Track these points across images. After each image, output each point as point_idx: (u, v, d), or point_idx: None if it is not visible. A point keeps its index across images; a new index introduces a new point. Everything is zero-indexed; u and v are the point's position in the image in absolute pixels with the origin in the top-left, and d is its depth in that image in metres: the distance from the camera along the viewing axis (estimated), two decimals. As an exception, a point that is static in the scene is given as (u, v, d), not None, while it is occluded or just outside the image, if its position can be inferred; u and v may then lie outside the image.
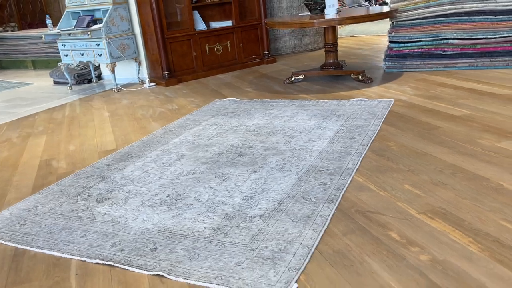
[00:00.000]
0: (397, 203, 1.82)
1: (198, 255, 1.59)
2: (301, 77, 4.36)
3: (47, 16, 5.18)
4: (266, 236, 1.66)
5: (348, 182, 2.05)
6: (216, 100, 3.95)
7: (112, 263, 1.59)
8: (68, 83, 5.49)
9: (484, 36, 4.04)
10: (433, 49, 4.25)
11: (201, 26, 5.17)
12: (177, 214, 1.91)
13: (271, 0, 6.09)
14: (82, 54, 4.90)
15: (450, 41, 4.15)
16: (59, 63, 5.99)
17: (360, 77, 4.07)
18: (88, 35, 4.60)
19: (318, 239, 1.61)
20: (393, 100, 3.34)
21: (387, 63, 4.42)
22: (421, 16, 4.20)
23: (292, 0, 6.24)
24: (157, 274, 1.50)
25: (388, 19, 4.31)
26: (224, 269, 1.49)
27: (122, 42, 4.85)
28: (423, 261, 1.43)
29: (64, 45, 5.02)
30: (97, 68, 5.66)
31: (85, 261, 1.63)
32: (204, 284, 1.43)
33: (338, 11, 4.19)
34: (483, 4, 4.00)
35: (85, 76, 5.60)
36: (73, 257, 1.66)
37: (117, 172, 2.47)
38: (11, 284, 1.54)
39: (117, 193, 2.19)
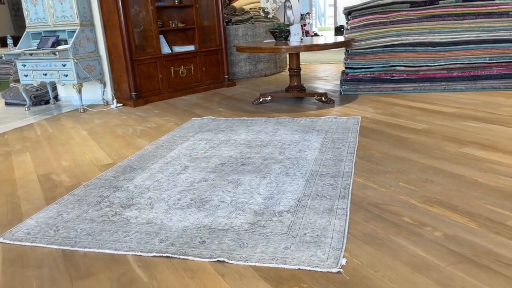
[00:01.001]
0: (399, 196, 2.16)
1: (246, 244, 1.78)
2: (268, 98, 4.70)
3: (8, 36, 5.05)
4: (300, 226, 1.90)
5: (351, 182, 2.36)
6: (194, 118, 4.14)
7: (169, 255, 1.73)
8: (23, 104, 5.33)
9: (425, 64, 4.69)
10: (383, 75, 4.82)
11: (166, 49, 5.35)
12: (209, 214, 2.08)
13: (228, 28, 6.43)
14: (45, 75, 4.83)
15: (397, 67, 4.75)
16: (11, 84, 5.80)
17: (323, 99, 4.49)
18: (56, 55, 4.57)
19: (346, 226, 1.88)
20: (360, 117, 3.77)
21: (343, 86, 4.91)
22: (372, 46, 4.77)
23: (247, 28, 6.64)
24: (218, 260, 1.67)
25: (344, 48, 4.83)
26: (276, 252, 1.70)
27: (88, 63, 4.87)
28: (438, 236, 1.75)
29: (24, 65, 4.91)
30: (54, 89, 5.56)
31: (140, 255, 1.75)
32: (264, 264, 1.63)
33: (301, 39, 4.62)
34: (423, 37, 4.66)
35: (41, 97, 5.47)
36: (127, 253, 1.77)
37: (127, 183, 2.56)
38: (76, 279, 1.61)
39: (139, 199, 2.30)
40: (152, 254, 1.75)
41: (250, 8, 7.21)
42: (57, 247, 1.86)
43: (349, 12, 4.98)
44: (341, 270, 1.56)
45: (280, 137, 3.31)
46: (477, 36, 4.53)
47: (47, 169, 2.94)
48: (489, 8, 4.47)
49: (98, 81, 5.05)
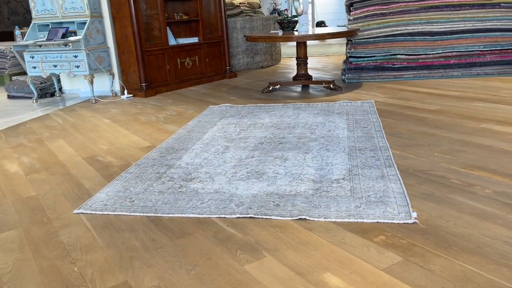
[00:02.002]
0: (440, 163, 2.38)
1: (318, 205, 1.95)
2: (277, 86, 4.87)
3: (16, 27, 5.02)
4: (361, 190, 2.09)
5: (391, 154, 2.57)
6: (211, 106, 4.26)
7: (252, 215, 1.88)
8: (27, 97, 5.31)
9: (424, 53, 4.97)
10: (385, 63, 5.07)
11: (172, 41, 5.44)
12: (271, 183, 2.24)
13: (226, 21, 6.56)
14: (55, 66, 4.83)
15: (398, 56, 5.02)
16: (13, 78, 5.76)
17: (331, 86, 4.70)
18: (69, 46, 4.59)
19: (403, 188, 2.08)
20: (373, 101, 3.99)
21: (347, 75, 5.14)
22: (374, 36, 5.02)
23: (245, 21, 6.79)
24: (299, 218, 1.83)
25: (345, 39, 5.05)
26: (350, 210, 1.88)
27: (98, 54, 4.91)
28: (489, 193, 1.98)
29: (33, 57, 4.90)
30: (58, 81, 5.55)
31: (225, 217, 1.89)
32: (344, 220, 1.80)
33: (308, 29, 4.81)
34: (422, 27, 4.94)
35: (46, 89, 5.45)
36: (211, 216, 1.91)
37: (177, 161, 2.69)
38: (175, 238, 1.74)
39: (197, 174, 2.44)
40: (235, 216, 1.89)
41: (240, 3, 7.38)
42: (141, 214, 1.97)
43: (351, 4, 5.21)
44: (417, 220, 1.75)
45: (305, 120, 3.49)
46: (472, 26, 4.84)
47: (89, 152, 3.01)
48: (482, -1, 4.79)
49: (107, 72, 5.09)
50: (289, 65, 7.31)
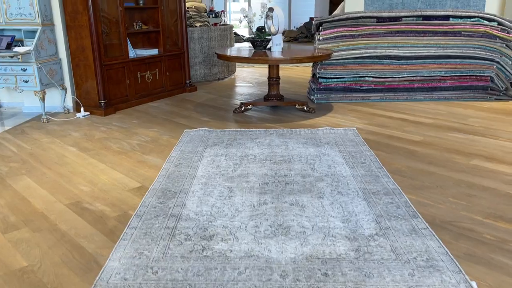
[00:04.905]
0: (460, 212, 2.38)
1: (370, 273, 1.82)
2: (250, 107, 4.68)
3: None
4: (403, 250, 1.99)
5: (407, 199, 2.52)
6: (187, 130, 3.96)
7: (307, 292, 1.70)
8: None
9: (390, 76, 5.08)
10: (353, 84, 5.11)
11: (131, 53, 5.01)
12: (303, 242, 2.07)
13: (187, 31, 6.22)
14: (-2, 79, 4.20)
15: (366, 78, 5.08)
16: None
17: (305, 108, 4.62)
18: (19, 58, 4.01)
19: (444, 247, 2.02)
20: (355, 128, 3.97)
21: (316, 95, 5.10)
22: (344, 57, 5.03)
23: (203, 31, 6.50)
24: (359, 294, 1.69)
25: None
26: (406, 279, 1.77)
27: (50, 67, 4.36)
28: (526, 250, 1.99)
29: (-31, 67, 4.22)
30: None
31: (276, 295, 1.69)
32: (406, 293, 1.69)
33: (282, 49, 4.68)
34: (389, 51, 5.05)
35: (-19, 103, 4.74)
36: (259, 294, 1.69)
37: (183, 209, 2.41)
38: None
39: (214, 229, 2.19)
40: (288, 293, 1.70)
41: (188, 7, 7.07)
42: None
43: (320, 24, 5.17)
44: (482, 292, 1.69)
45: (297, 152, 3.35)
46: (434, 52, 5.03)
47: (69, 195, 2.61)
48: (445, 27, 4.99)
49: (59, 87, 4.55)
50: (244, 76, 7.15)
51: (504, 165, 3.07)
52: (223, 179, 2.84)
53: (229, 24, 7.54)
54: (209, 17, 8.79)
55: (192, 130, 3.96)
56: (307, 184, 2.75)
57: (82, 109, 4.52)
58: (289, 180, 2.81)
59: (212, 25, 8.00)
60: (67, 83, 4.66)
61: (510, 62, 5.01)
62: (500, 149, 3.39)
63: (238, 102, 5.17)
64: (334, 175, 2.89)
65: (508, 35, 4.93)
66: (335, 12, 7.51)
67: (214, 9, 14.20)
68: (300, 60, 4.23)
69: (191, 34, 6.31)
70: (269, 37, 4.67)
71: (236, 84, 6.56)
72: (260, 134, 3.81)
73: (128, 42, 4.94)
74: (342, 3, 7.53)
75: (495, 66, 5.02)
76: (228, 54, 4.41)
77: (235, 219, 2.30)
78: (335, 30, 5.06)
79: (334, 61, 5.03)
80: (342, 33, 5.05)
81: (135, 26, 5.13)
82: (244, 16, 4.78)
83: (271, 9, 4.54)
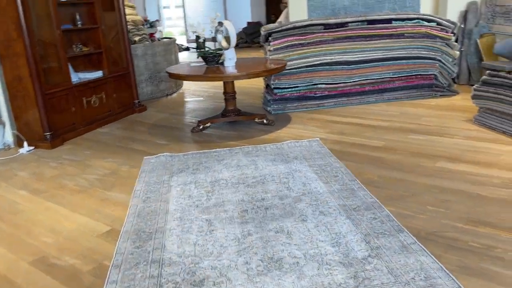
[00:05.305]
0: (441, 220, 2.41)
1: (374, 301, 1.78)
2: (208, 124, 4.55)
3: None
4: (399, 271, 1.98)
5: (389, 213, 2.52)
6: (146, 157, 3.75)
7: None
8: None
9: (342, 81, 5.16)
10: (308, 93, 5.13)
11: (74, 78, 4.69)
12: (300, 275, 1.99)
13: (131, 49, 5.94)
14: None
15: (319, 85, 5.13)
16: None
17: (264, 121, 4.56)
18: None
19: (437, 261, 2.03)
20: (317, 139, 3.96)
21: (272, 106, 5.07)
22: (296, 66, 5.04)
23: (146, 48, 6.26)
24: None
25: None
26: (411, 304, 1.75)
27: (-15, 101, 3.97)
28: (510, 255, 2.05)
29: None
30: None
31: None
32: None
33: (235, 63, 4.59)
34: (339, 57, 5.12)
35: None
36: None
37: (164, 253, 2.24)
38: None
39: (203, 272, 2.05)
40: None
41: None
42: None
43: (269, 34, 5.14)
44: (486, 309, 1.71)
45: (267, 170, 3.28)
46: (382, 55, 5.17)
47: (32, 251, 2.34)
48: (389, 30, 5.15)
49: (-4, 122, 4.15)
50: (193, 90, 6.98)
51: (465, 164, 3.18)
52: (199, 211, 2.69)
53: (172, 38, 7.34)
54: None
55: (152, 156, 3.76)
56: (286, 206, 2.67)
57: (25, 143, 4.15)
58: (268, 204, 2.72)
59: (149, 35, 7.77)
60: (5, 117, 4.27)
61: (451, 60, 5.26)
62: (457, 148, 3.53)
63: (193, 119, 5.01)
64: (311, 193, 2.84)
65: (447, 34, 5.18)
66: (280, 20, 7.57)
67: (148, 18, 13.81)
68: (258, 75, 4.16)
69: (135, 51, 6.04)
70: (221, 51, 4.56)
71: (186, 99, 6.38)
72: (225, 155, 3.70)
73: (70, 66, 4.62)
74: (285, 9, 7.60)
75: (437, 65, 5.25)
76: (181, 73, 4.24)
77: (222, 256, 2.18)
78: (285, 39, 5.05)
79: (287, 70, 5.01)
80: (292, 42, 5.05)
81: (75, 49, 4.82)
82: (192, 32, 4.64)
83: (220, 23, 4.44)
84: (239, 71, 4.20)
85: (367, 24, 5.14)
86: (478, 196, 2.67)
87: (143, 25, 10.28)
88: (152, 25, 14.74)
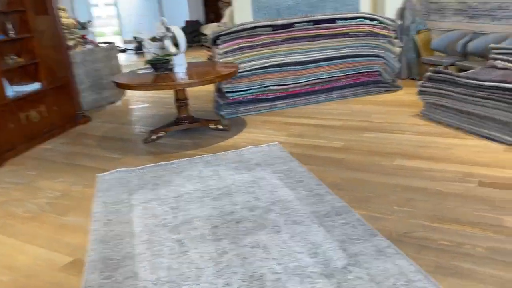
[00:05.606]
0: (409, 220, 2.49)
1: (362, 312, 1.79)
2: (161, 134, 4.38)
3: None
4: (380, 276, 2.01)
5: (359, 217, 2.56)
6: (99, 174, 3.54)
7: None
8: None
9: (292, 82, 5.20)
10: (260, 95, 5.12)
11: (9, 91, 4.33)
12: (284, 291, 1.96)
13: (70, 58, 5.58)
14: None
15: (271, 87, 5.13)
16: None
17: (220, 127, 4.47)
18: None
19: (414, 264, 2.08)
20: (277, 143, 3.95)
21: (226, 110, 4.99)
22: (247, 69, 5.00)
23: (85, 54, 5.93)
24: None
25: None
26: (398, 311, 1.78)
27: None
28: (483, 252, 2.15)
29: None
30: None
31: None
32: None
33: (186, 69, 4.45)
34: (288, 58, 5.15)
35: None
36: None
37: (136, 281, 2.11)
38: None
39: (184, 300, 1.96)
40: None
41: None
42: None
43: (217, 37, 5.05)
44: (468, 309, 1.77)
45: (231, 180, 3.21)
46: (329, 54, 5.27)
47: (-13, 295, 2.12)
48: (333, 30, 5.25)
49: None
50: (138, 96, 6.71)
51: (420, 160, 3.32)
52: (167, 231, 2.58)
53: (112, 43, 7.01)
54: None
55: (106, 173, 3.55)
56: (258, 218, 2.63)
57: (-40, 168, 3.77)
58: (238, 217, 2.67)
59: (81, 37, 7.37)
60: None
61: (393, 56, 5.47)
62: (410, 144, 3.67)
63: (144, 129, 4.82)
64: (280, 201, 2.82)
65: (388, 32, 5.38)
66: (224, 20, 7.47)
67: (79, 20, 13.13)
68: (211, 81, 4.07)
69: (73, 58, 5.68)
70: (169, 58, 4.41)
71: (133, 106, 6.13)
72: (185, 166, 3.58)
73: (4, 80, 4.25)
74: (229, 10, 7.52)
75: (381, 61, 5.44)
76: (131, 83, 4.05)
77: (200, 280, 2.09)
78: (233, 42, 4.99)
79: (239, 73, 4.93)
80: (241, 45, 5.00)
81: (8, 61, 4.43)
82: (136, 40, 4.44)
83: (168, 29, 4.29)
84: (192, 78, 4.08)
85: (313, 24, 5.21)
86: (438, 192, 2.79)
87: (76, 28, 9.76)
88: (84, 26, 14.02)
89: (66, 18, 7.41)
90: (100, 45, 7.59)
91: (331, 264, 2.13)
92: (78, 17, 14.25)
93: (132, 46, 12.92)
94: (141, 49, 12.88)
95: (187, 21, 13.68)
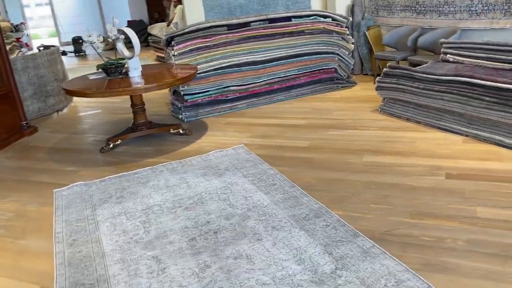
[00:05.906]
0: (389, 218, 2.50)
1: (359, 319, 1.76)
2: (118, 142, 4.15)
3: None
4: (370, 279, 1.98)
5: (338, 217, 2.53)
6: (56, 190, 3.28)
7: None
8: None
9: (251, 82, 5.13)
10: (219, 96, 5.00)
11: None
12: (276, 304, 1.88)
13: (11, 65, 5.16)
14: None
15: (230, 88, 5.03)
16: None
17: (180, 131, 4.31)
18: None
19: (400, 263, 2.08)
20: (242, 145, 3.86)
21: (185, 113, 4.83)
22: (205, 70, 4.86)
23: (27, 60, 5.52)
24: None
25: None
26: (394, 314, 1.76)
27: None
28: (464, 245, 2.18)
29: None
30: None
31: None
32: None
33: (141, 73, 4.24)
34: (246, 57, 5.07)
35: None
36: None
37: (116, 308, 1.95)
38: None
39: (171, 323, 1.83)
40: None
41: None
42: None
43: (172, 38, 4.87)
44: (462, 305, 1.78)
45: (202, 188, 3.09)
46: (286, 53, 5.24)
47: None
48: (290, 28, 5.23)
49: None
50: (87, 102, 6.34)
51: (388, 156, 3.37)
52: (141, 248, 2.42)
53: (55, 46, 6.60)
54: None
55: (63, 188, 3.30)
56: (236, 226, 2.54)
57: None
58: (215, 227, 2.55)
59: (16, 40, 6.91)
60: None
61: (347, 53, 5.55)
62: (376, 140, 3.72)
63: (98, 137, 4.55)
64: (256, 207, 2.74)
65: (342, 29, 5.44)
66: (175, 20, 7.24)
67: (12, 22, 12.32)
68: (171, 84, 3.91)
69: (14, 65, 5.26)
70: (123, 61, 4.19)
71: (82, 113, 5.79)
72: (149, 175, 3.40)
73: None
74: (179, 9, 7.29)
75: (336, 58, 5.50)
76: (83, 90, 3.78)
77: (186, 299, 1.97)
78: (189, 43, 4.83)
79: (196, 75, 4.80)
80: (197, 46, 4.86)
81: None
82: (88, 42, 4.17)
83: (120, 31, 4.06)
84: (149, 82, 3.88)
85: (269, 23, 5.16)
86: (411, 187, 2.83)
87: (11, 31, 9.15)
88: (17, 29, 13.14)
89: (1, 21, 6.89)
90: (40, 49, 7.13)
91: (319, 270, 2.08)
92: (10, 19, 13.36)
93: (71, 48, 12.29)
94: (82, 52, 12.32)
95: (129, 21, 13.21)
